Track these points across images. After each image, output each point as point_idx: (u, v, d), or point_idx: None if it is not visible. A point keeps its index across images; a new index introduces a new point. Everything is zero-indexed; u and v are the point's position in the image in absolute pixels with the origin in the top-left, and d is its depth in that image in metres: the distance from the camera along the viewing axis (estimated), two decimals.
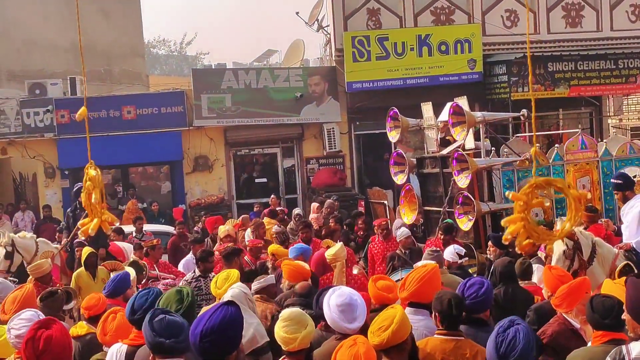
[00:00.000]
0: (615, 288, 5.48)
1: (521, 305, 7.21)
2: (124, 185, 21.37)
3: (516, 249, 7.91)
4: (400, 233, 11.35)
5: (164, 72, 47.72)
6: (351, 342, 4.50)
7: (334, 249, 9.60)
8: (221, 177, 19.99)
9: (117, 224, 12.54)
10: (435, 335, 5.51)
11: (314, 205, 16.01)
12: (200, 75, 20.77)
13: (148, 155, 19.61)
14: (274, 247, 10.32)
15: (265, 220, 13.97)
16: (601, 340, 5.10)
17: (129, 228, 14.67)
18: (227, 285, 7.15)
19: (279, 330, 5.21)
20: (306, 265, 8.52)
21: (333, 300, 5.52)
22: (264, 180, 20.81)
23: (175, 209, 18.75)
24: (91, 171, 9.93)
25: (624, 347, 4.65)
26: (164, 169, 22.51)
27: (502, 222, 9.38)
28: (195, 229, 16.24)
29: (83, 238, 10.97)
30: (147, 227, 15.28)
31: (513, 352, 4.39)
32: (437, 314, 5.57)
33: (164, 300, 5.51)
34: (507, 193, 11.13)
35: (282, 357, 5.27)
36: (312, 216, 14.87)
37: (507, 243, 8.64)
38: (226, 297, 6.81)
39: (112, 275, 8.88)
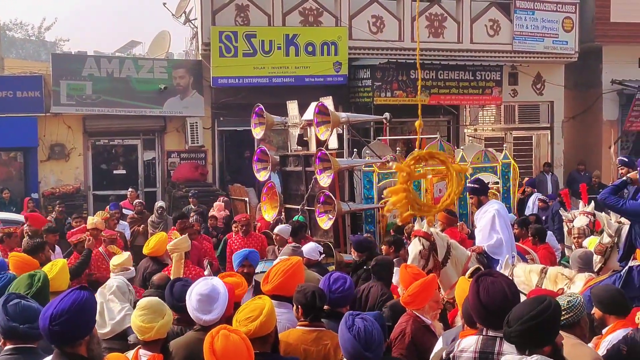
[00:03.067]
0: (468, 286, 5.66)
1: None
2: None
3: (397, 220, 8.02)
4: (279, 229, 11.36)
5: (20, 57, 45.79)
6: (224, 331, 4.39)
7: (176, 240, 9.58)
8: (78, 166, 19.36)
9: None
10: (297, 327, 5.53)
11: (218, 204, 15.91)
12: (60, 60, 20.00)
13: (1, 140, 18.72)
14: None
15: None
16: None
17: None
18: (50, 277, 6.86)
19: (136, 319, 5.09)
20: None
21: (195, 289, 5.44)
22: (123, 172, 20.34)
23: (27, 198, 18.05)
24: None
25: (458, 340, 4.83)
26: (17, 155, 21.55)
27: (385, 193, 9.50)
28: (48, 218, 15.67)
29: None
30: None
31: (372, 339, 4.48)
32: (299, 306, 5.59)
33: (14, 285, 5.31)
34: (390, 164, 11.32)
35: (137, 347, 5.14)
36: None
37: (388, 214, 8.75)
38: (110, 286, 6.68)
39: None
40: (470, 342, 4.67)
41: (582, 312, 5.21)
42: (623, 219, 8.29)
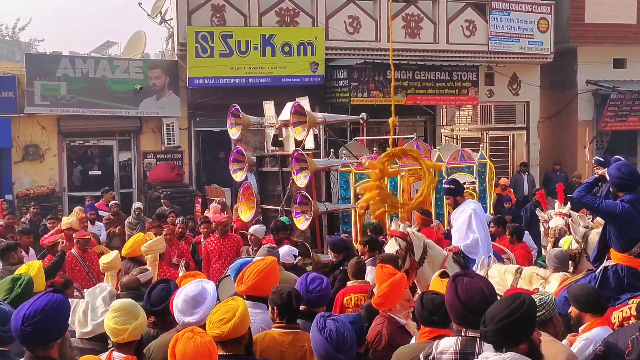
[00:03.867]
0: (442, 285, 5.66)
1: None
2: None
3: (371, 217, 8.03)
4: (254, 229, 11.32)
5: None
6: (189, 333, 4.37)
7: (150, 241, 9.66)
8: (52, 167, 19.19)
9: None
10: (273, 329, 5.49)
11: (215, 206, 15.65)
12: (34, 60, 19.82)
13: None
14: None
15: None
16: (428, 336, 5.25)
17: None
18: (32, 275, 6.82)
19: (109, 321, 5.03)
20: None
21: (185, 290, 5.34)
22: (99, 173, 20.19)
23: (0, 200, 17.87)
24: None
25: (435, 342, 4.81)
26: None
27: (358, 190, 9.50)
28: (22, 220, 15.55)
29: None
30: None
31: (345, 341, 4.46)
32: (275, 307, 5.55)
33: None
34: (363, 161, 11.35)
35: (110, 349, 5.09)
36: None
37: (362, 211, 8.76)
38: (102, 287, 6.61)
39: None
40: (449, 343, 4.66)
41: (554, 310, 5.25)
42: (599, 219, 8.34)
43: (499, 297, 4.66)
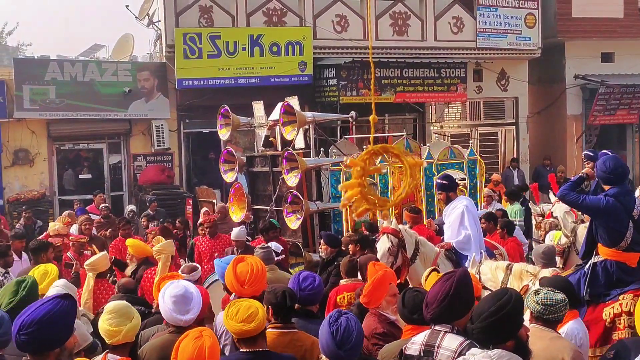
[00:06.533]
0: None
1: None
2: None
3: (353, 215, 8.04)
4: (235, 235, 11.30)
5: None
6: (197, 333, 4.39)
7: (161, 243, 9.70)
8: (43, 171, 19.16)
9: None
10: (270, 330, 5.51)
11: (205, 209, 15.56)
12: (23, 65, 19.79)
13: None
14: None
15: None
16: (411, 333, 5.31)
17: None
18: (48, 281, 6.87)
19: (103, 323, 5.04)
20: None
21: (168, 292, 5.43)
22: (89, 176, 20.15)
23: None
24: None
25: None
26: None
27: (340, 187, 9.52)
28: (17, 226, 15.52)
29: None
30: None
31: (349, 339, 4.50)
32: (269, 307, 5.58)
33: (1, 292, 5.29)
34: (345, 159, 11.38)
35: (105, 352, 5.09)
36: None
37: (344, 209, 8.76)
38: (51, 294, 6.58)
39: None
40: (421, 336, 4.82)
41: (566, 309, 5.25)
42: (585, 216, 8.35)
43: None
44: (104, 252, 9.31)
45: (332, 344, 4.50)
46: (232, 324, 4.82)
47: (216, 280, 8.04)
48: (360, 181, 7.54)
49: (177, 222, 14.79)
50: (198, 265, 8.78)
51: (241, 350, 4.96)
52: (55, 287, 6.67)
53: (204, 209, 15.72)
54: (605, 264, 6.95)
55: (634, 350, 5.38)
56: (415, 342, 4.78)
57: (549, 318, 5.15)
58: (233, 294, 6.35)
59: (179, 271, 8.46)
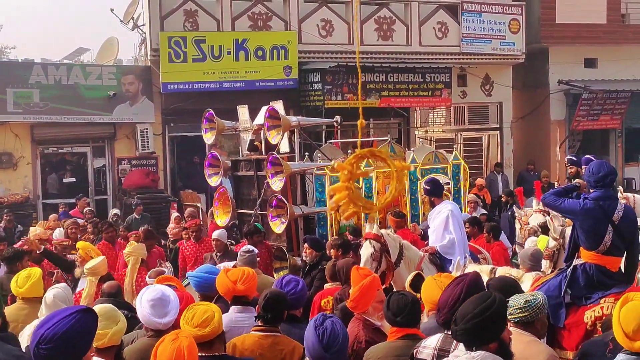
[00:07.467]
0: (435, 286, 5.70)
1: None
2: None
3: (341, 218, 8.07)
4: (217, 234, 11.28)
5: None
6: (173, 335, 4.39)
7: (132, 246, 9.79)
8: (26, 175, 19.09)
9: None
10: (252, 332, 5.52)
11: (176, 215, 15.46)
12: (6, 68, 19.75)
13: None
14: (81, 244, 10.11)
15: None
16: (396, 335, 5.40)
17: None
18: (29, 284, 6.84)
19: None
20: None
21: (145, 296, 5.44)
22: (73, 180, 20.08)
23: None
24: None
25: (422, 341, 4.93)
26: None
27: (328, 190, 9.50)
28: None
29: None
30: None
31: (335, 341, 4.53)
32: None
33: None
34: (332, 162, 11.40)
35: (91, 355, 5.08)
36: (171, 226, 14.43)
37: (332, 212, 8.79)
38: (49, 296, 6.55)
39: None
40: (433, 340, 4.85)
41: (540, 313, 5.23)
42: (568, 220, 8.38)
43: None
44: (103, 257, 9.23)
45: (318, 347, 4.52)
46: (188, 329, 4.77)
47: (187, 284, 8.03)
48: (347, 184, 7.54)
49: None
50: (165, 269, 8.78)
51: (199, 354, 4.91)
52: (55, 288, 6.67)
53: (174, 214, 15.65)
54: (584, 267, 6.97)
55: (600, 349, 5.45)
56: (427, 347, 4.81)
57: (522, 320, 5.17)
58: None
59: (147, 276, 8.48)
